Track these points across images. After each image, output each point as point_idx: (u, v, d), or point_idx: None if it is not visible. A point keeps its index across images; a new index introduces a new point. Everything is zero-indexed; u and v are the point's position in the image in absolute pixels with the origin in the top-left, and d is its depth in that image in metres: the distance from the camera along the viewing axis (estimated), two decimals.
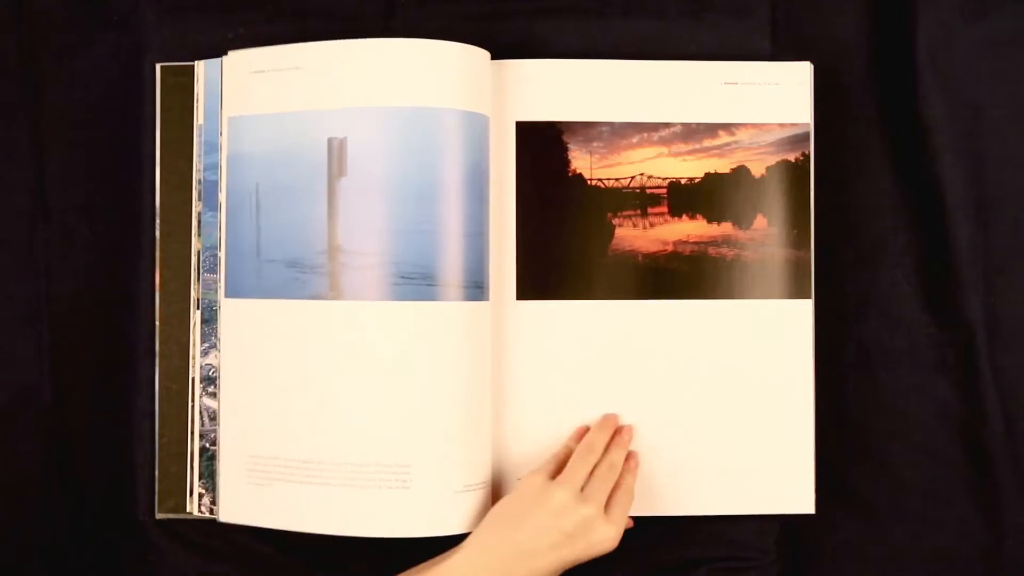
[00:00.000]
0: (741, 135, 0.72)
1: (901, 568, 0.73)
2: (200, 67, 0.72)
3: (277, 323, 0.69)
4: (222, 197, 0.71)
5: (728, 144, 0.72)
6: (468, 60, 0.68)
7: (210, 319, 0.71)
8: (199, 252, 0.72)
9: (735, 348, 0.71)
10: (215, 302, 0.71)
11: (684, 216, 0.72)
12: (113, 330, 0.74)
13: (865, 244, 0.74)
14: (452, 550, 0.65)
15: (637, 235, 0.72)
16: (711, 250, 0.71)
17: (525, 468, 0.69)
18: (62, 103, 0.74)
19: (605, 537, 0.64)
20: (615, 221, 0.72)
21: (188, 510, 0.72)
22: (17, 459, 0.73)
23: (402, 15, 0.73)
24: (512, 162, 0.71)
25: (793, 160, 0.72)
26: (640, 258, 0.72)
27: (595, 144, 0.72)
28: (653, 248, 0.72)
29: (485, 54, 0.69)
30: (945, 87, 0.73)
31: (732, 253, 0.71)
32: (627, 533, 0.67)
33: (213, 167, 0.71)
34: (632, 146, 0.72)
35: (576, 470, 0.66)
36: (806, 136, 0.72)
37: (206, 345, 0.71)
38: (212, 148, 0.72)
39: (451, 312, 0.67)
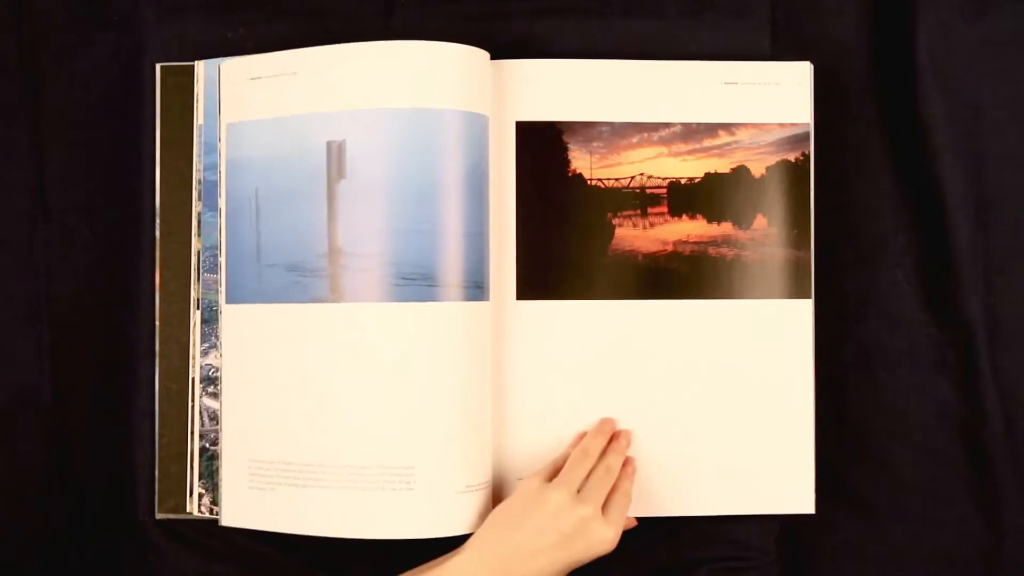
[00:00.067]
0: (741, 135, 0.72)
1: (901, 568, 0.73)
2: (200, 67, 0.72)
3: (279, 327, 0.69)
4: (222, 203, 0.71)
5: (728, 144, 0.72)
6: (468, 60, 0.68)
7: (210, 319, 0.71)
8: (199, 252, 0.72)
9: (735, 348, 0.71)
10: (215, 302, 0.71)
11: (684, 216, 0.72)
12: (113, 330, 0.74)
13: (865, 244, 0.74)
14: (453, 552, 0.65)
15: (637, 235, 0.72)
16: (711, 250, 0.71)
17: (526, 468, 0.70)
18: (62, 103, 0.74)
19: (603, 538, 0.64)
20: (615, 221, 0.72)
21: (188, 510, 0.72)
22: (17, 459, 0.73)
23: (402, 15, 0.73)
24: (512, 162, 0.71)
25: (793, 160, 0.72)
26: (640, 258, 0.72)
27: (595, 144, 0.72)
28: (653, 248, 0.72)
29: (485, 54, 0.69)
30: (945, 87, 0.73)
31: (732, 253, 0.71)
32: (626, 533, 0.68)
33: (213, 167, 0.71)
34: (632, 146, 0.72)
35: (572, 472, 0.66)
36: (806, 136, 0.72)
37: (206, 345, 0.71)
38: (212, 148, 0.72)
39: (451, 312, 0.67)
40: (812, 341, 0.71)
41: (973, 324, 0.72)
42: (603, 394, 0.71)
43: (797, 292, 0.71)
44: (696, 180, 0.72)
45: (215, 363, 0.71)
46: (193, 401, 0.72)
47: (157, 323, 0.72)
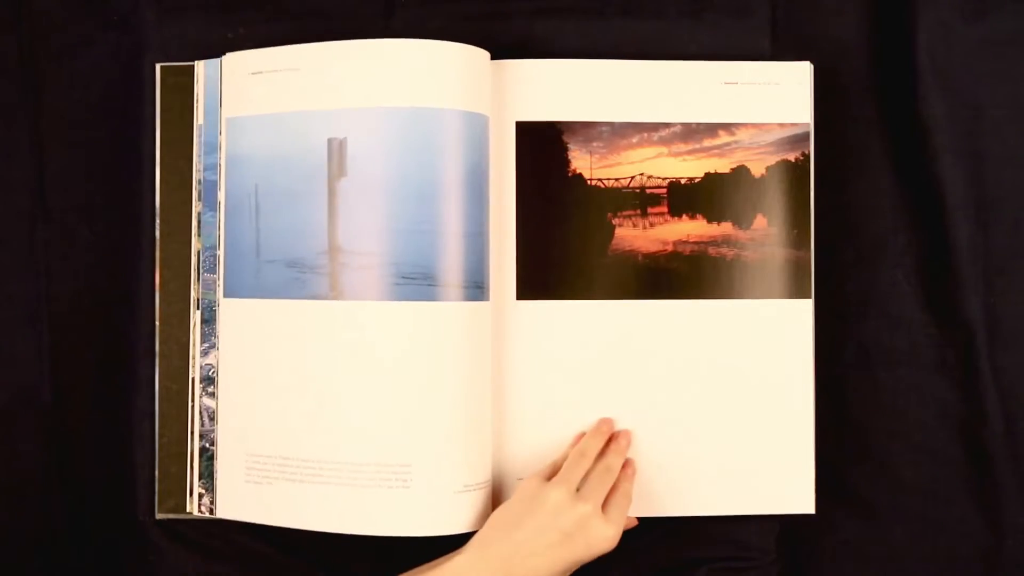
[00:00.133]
0: (741, 135, 0.72)
1: (901, 568, 0.73)
2: (200, 67, 0.72)
3: (277, 323, 0.69)
4: (221, 197, 0.71)
5: (728, 144, 0.72)
6: (468, 60, 0.68)
7: (210, 319, 0.71)
8: (199, 252, 0.72)
9: (735, 348, 0.71)
10: (215, 302, 0.71)
11: (684, 216, 0.72)
12: (113, 330, 0.74)
13: (865, 244, 0.74)
14: (454, 552, 0.65)
15: (637, 235, 0.72)
16: (711, 250, 0.71)
17: (525, 468, 0.70)
18: (62, 103, 0.74)
19: (603, 536, 0.64)
20: (615, 221, 0.72)
21: (188, 510, 0.72)
22: (17, 459, 0.73)
23: (402, 15, 0.73)
24: (512, 162, 0.71)
25: (793, 160, 0.72)
26: (640, 258, 0.72)
27: (595, 144, 0.72)
28: (653, 248, 0.72)
29: (485, 54, 0.69)
30: (945, 87, 0.73)
31: (732, 253, 0.71)
32: (626, 533, 0.68)
33: (213, 167, 0.71)
34: (632, 146, 0.72)
35: (570, 472, 0.66)
36: (806, 136, 0.72)
37: (206, 345, 0.71)
38: (212, 148, 0.72)
39: (451, 312, 0.67)
40: (812, 341, 0.71)
41: (973, 324, 0.72)
42: (603, 394, 0.71)
43: (797, 292, 0.71)
44: (696, 180, 0.72)
45: (215, 363, 0.71)
46: (193, 401, 0.72)
47: (157, 323, 0.72)
